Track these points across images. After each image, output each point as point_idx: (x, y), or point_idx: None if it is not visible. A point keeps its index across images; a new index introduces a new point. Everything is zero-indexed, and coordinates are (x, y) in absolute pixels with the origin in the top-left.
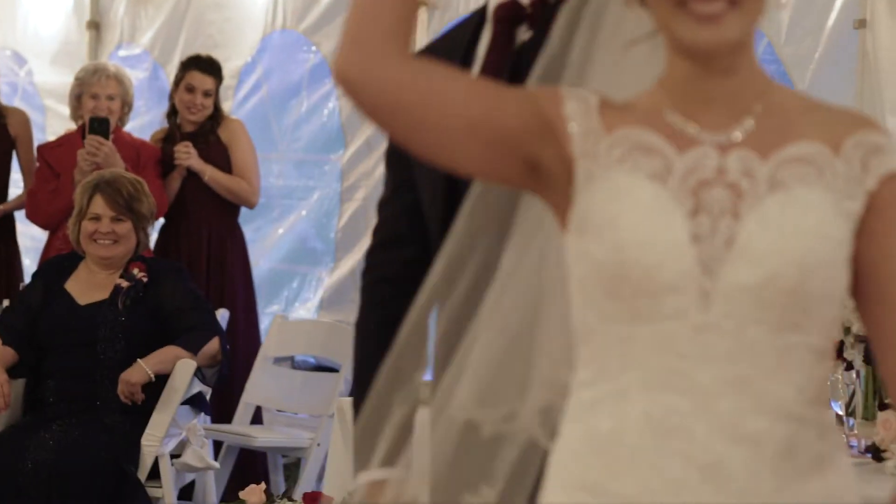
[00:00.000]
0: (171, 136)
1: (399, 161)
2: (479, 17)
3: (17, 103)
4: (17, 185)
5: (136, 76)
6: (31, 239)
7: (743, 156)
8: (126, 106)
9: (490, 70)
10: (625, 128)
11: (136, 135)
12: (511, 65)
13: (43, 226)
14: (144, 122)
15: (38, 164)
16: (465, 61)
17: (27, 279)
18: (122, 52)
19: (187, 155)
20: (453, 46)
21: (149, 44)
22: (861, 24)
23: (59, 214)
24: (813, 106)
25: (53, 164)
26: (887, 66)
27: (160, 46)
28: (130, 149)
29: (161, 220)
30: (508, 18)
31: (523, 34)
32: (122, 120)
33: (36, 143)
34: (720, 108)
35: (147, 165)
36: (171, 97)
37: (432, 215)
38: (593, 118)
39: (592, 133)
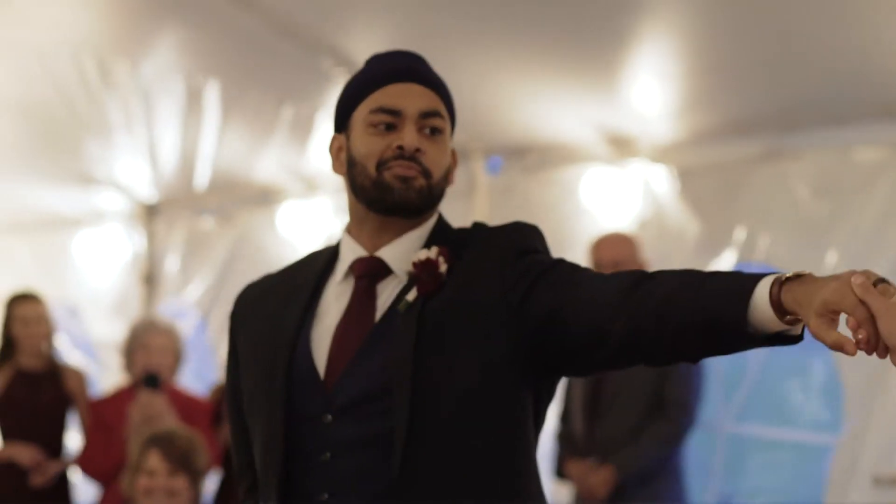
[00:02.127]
0: None
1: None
2: (330, 254)
3: (74, 356)
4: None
5: (186, 328)
6: (81, 491)
7: None
8: (177, 359)
9: (353, 320)
10: None
11: (188, 386)
12: (417, 322)
13: (96, 479)
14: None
15: (90, 419)
16: (314, 297)
17: None
18: (173, 304)
19: None
20: (301, 282)
21: (199, 297)
22: None
23: (112, 469)
24: None
25: (106, 418)
26: None
27: (210, 299)
28: (182, 403)
29: (217, 475)
30: (370, 274)
31: (407, 293)
32: (174, 373)
33: (91, 396)
34: None
35: (198, 420)
36: None
37: None
38: None
39: None
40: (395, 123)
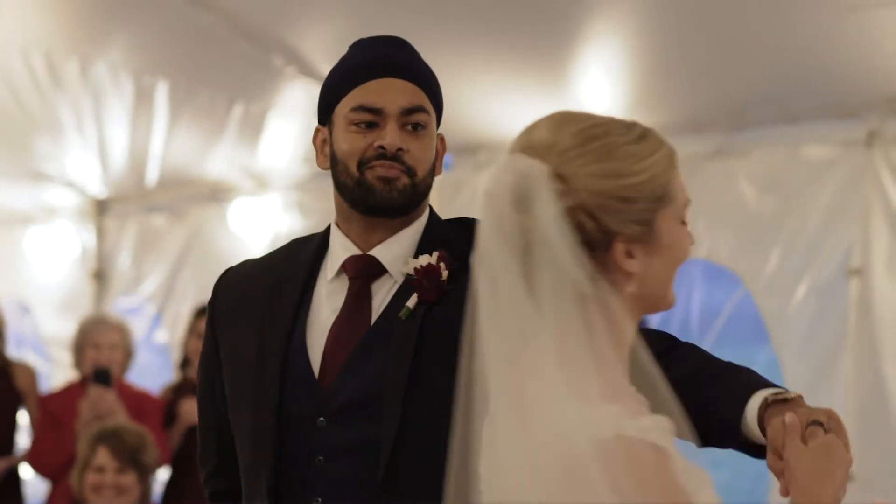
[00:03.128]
0: (182, 385)
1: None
2: (317, 247)
3: (23, 353)
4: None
5: (138, 325)
6: (31, 488)
7: None
8: (128, 356)
9: (349, 322)
10: None
11: (138, 383)
12: (417, 332)
13: (45, 475)
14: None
15: (40, 415)
16: (304, 293)
17: None
18: (124, 301)
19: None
20: (288, 276)
21: (151, 293)
22: (855, 271)
23: (61, 466)
24: None
25: (56, 413)
26: (885, 315)
27: (162, 295)
28: (132, 399)
29: (166, 473)
30: (364, 274)
31: (407, 298)
32: (124, 370)
33: (41, 393)
34: None
35: (149, 416)
36: (184, 347)
37: None
38: None
39: None
40: (377, 121)
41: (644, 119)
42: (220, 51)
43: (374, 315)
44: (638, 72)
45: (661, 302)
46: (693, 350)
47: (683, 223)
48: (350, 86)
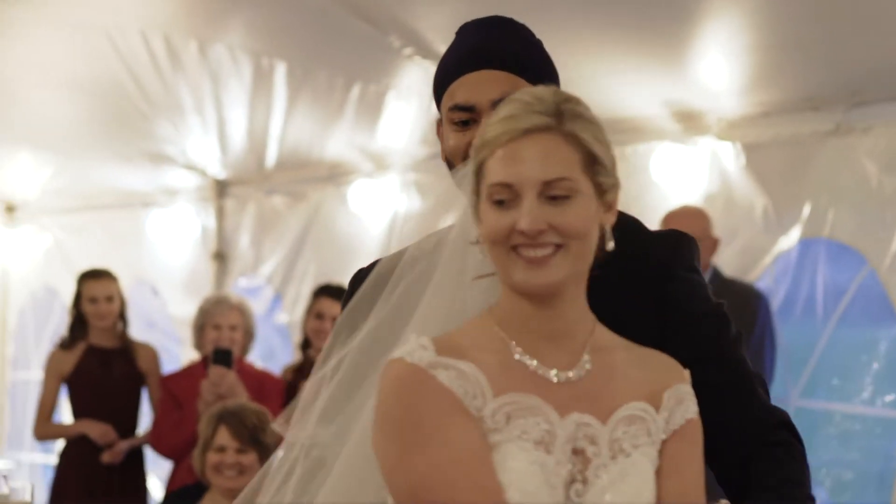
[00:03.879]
0: (303, 366)
1: None
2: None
3: (154, 334)
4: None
5: (258, 306)
6: (154, 464)
7: (585, 422)
8: (248, 336)
9: None
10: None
11: (260, 364)
12: None
13: (167, 456)
14: (265, 351)
15: (161, 395)
16: None
17: None
18: (244, 282)
19: None
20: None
21: (270, 274)
22: None
23: (182, 445)
24: (635, 354)
25: (177, 394)
26: None
27: (281, 276)
28: (253, 379)
29: None
30: None
31: None
32: (245, 350)
33: (163, 373)
34: (556, 345)
35: (270, 396)
36: (303, 327)
37: None
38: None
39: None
40: (473, 118)
41: (763, 96)
42: (338, 32)
43: None
44: (756, 49)
45: (503, 276)
46: (795, 458)
47: (494, 203)
48: (447, 82)
